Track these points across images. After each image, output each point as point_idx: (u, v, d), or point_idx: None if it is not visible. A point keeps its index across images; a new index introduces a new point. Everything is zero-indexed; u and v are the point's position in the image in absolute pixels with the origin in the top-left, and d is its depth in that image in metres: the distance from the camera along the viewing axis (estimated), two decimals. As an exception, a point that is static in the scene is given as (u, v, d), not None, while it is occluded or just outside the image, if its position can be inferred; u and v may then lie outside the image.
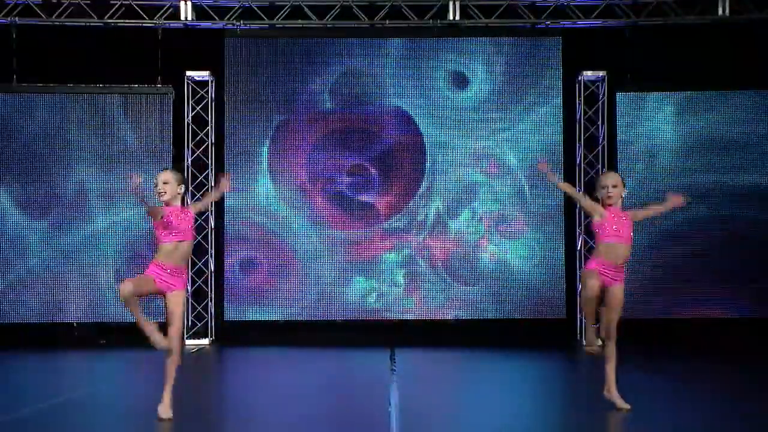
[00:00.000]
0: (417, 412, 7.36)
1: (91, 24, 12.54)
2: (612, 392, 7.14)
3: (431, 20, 12.59)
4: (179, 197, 6.85)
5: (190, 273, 12.41)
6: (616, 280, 7.10)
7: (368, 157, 13.09)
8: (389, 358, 11.07)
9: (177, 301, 6.77)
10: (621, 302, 7.10)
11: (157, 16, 12.53)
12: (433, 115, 13.07)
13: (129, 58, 12.76)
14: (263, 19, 12.63)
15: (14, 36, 12.57)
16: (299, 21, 12.65)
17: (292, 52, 13.01)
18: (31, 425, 6.88)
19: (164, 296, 6.78)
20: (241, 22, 12.67)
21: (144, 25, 12.56)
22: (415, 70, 13.07)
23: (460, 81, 13.07)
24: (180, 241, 6.73)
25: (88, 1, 12.40)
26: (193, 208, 6.99)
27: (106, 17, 12.46)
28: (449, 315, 13.03)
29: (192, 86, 12.93)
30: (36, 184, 12.84)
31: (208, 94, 12.97)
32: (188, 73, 12.82)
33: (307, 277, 12.95)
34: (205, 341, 12.74)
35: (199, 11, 12.58)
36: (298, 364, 11.19)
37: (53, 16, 12.47)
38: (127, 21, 12.54)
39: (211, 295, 12.90)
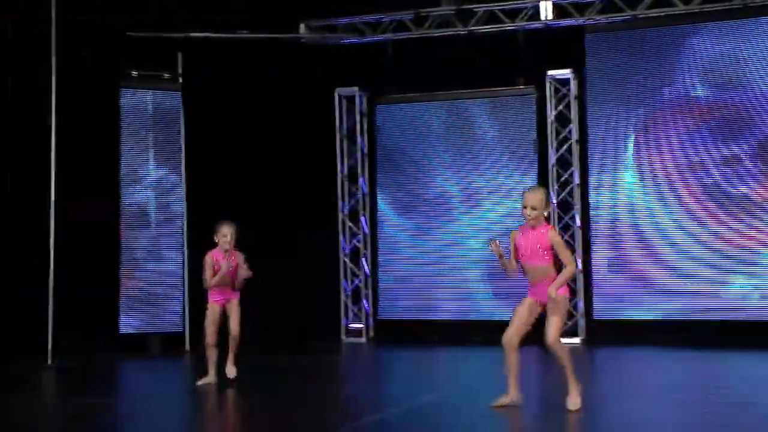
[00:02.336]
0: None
1: (459, 33, 12.99)
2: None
3: (810, -7, 11.57)
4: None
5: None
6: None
7: (744, 146, 12.24)
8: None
9: (234, 307, 9.06)
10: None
11: (518, 18, 12.70)
12: (817, 97, 11.97)
13: (490, 61, 13.01)
14: (624, 11, 12.33)
15: (389, 51, 13.40)
16: (663, 9, 12.19)
17: (656, 41, 12.55)
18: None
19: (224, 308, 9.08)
20: (603, 16, 12.47)
21: (505, 28, 12.80)
22: (795, 49, 12.06)
23: None
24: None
25: (453, 11, 12.86)
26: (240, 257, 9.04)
27: (470, 25, 12.86)
28: None
29: (554, 85, 12.95)
30: (406, 188, 13.61)
31: (569, 92, 12.92)
32: (549, 72, 12.85)
33: (677, 274, 12.40)
34: (577, 340, 12.67)
35: (559, 9, 12.56)
36: (672, 365, 10.78)
37: (422, 28, 13.10)
38: (489, 26, 12.84)
39: (581, 294, 12.81)
